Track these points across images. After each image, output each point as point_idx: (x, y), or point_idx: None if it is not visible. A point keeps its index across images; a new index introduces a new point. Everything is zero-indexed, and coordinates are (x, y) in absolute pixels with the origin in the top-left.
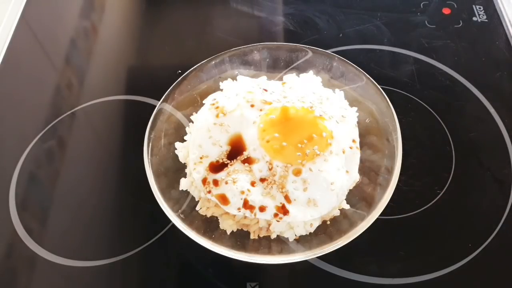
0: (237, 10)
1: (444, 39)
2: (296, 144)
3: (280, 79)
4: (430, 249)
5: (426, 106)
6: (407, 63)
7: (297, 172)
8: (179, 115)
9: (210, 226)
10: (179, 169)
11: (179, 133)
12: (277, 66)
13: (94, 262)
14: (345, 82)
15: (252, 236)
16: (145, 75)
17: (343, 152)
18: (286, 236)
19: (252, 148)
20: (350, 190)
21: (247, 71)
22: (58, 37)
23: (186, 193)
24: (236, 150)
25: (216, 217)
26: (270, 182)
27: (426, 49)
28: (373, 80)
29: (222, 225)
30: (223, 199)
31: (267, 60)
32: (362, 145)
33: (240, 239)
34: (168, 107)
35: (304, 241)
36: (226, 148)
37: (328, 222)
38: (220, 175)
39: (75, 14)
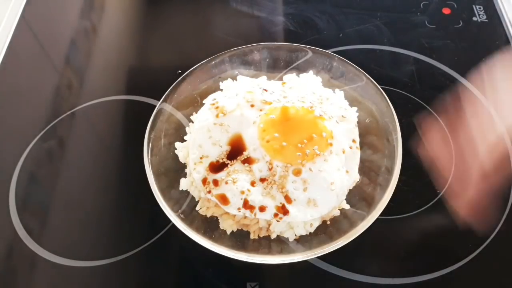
0: (237, 10)
1: (444, 39)
2: (296, 144)
3: (280, 79)
4: (430, 249)
5: (426, 106)
6: (407, 63)
7: (297, 172)
8: (179, 115)
9: (210, 226)
10: (179, 169)
11: (179, 133)
12: (277, 66)
13: (94, 262)
14: (345, 82)
15: (252, 236)
16: (145, 75)
17: (343, 152)
18: (286, 236)
19: (252, 148)
20: (350, 190)
21: (247, 71)
22: (58, 37)
23: (186, 193)
24: (236, 150)
25: (216, 217)
26: (270, 182)
27: (426, 49)
28: (373, 80)
29: (222, 225)
30: (223, 199)
31: (267, 60)
32: (362, 145)
33: (240, 239)
34: (168, 107)
35: (304, 241)
36: (226, 148)
37: (328, 222)
38: (220, 175)
39: (75, 14)
